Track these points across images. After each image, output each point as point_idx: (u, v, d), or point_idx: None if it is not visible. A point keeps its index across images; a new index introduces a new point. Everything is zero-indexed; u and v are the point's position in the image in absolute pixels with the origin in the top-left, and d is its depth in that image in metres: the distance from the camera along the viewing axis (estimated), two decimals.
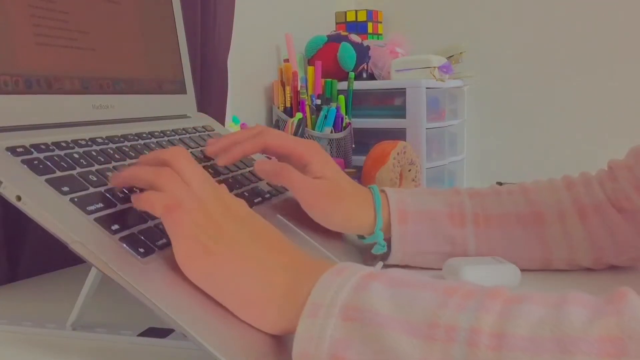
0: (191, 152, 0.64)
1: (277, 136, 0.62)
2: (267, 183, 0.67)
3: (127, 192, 0.48)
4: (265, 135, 0.62)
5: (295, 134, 1.14)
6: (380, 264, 0.63)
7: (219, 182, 0.61)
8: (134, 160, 0.55)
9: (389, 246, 0.63)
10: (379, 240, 0.63)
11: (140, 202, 0.42)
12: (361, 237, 0.65)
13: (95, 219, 0.43)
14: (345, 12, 1.52)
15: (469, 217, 0.63)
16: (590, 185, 0.63)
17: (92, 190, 0.46)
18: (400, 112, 1.25)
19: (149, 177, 0.43)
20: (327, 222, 0.62)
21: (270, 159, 0.68)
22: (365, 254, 0.66)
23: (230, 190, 0.60)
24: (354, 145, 1.26)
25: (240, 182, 0.64)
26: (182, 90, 0.73)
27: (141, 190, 0.45)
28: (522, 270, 0.60)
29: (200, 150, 0.66)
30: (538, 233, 0.62)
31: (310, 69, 1.26)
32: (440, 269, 0.62)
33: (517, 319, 0.32)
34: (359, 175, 1.05)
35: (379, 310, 0.35)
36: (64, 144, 0.50)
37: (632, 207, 0.60)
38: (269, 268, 0.41)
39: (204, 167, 0.62)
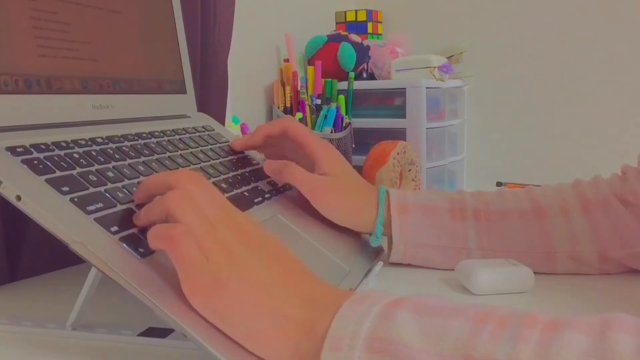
0: (191, 152, 0.64)
1: (299, 124, 0.67)
2: (267, 183, 0.67)
3: (129, 193, 0.48)
4: (288, 120, 0.67)
5: None
6: (380, 263, 0.63)
7: (220, 181, 0.61)
8: (133, 160, 0.55)
9: (390, 242, 0.63)
10: (376, 232, 0.63)
11: (149, 236, 0.40)
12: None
13: (95, 219, 0.43)
14: (345, 12, 1.52)
15: (470, 211, 0.63)
16: (598, 183, 0.63)
17: (92, 190, 0.46)
18: (400, 112, 1.25)
19: (160, 208, 0.41)
20: (330, 215, 0.64)
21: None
22: (365, 255, 0.66)
23: (230, 190, 0.60)
24: (354, 145, 1.26)
25: (240, 182, 0.64)
26: (182, 90, 0.73)
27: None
28: (545, 275, 0.60)
29: (201, 150, 0.66)
30: (540, 226, 0.62)
31: (310, 68, 1.26)
32: (444, 268, 0.62)
33: (559, 350, 0.30)
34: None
35: (408, 342, 0.33)
36: (63, 144, 0.50)
37: (637, 202, 0.60)
38: (283, 300, 0.38)
39: (204, 166, 0.62)
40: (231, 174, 0.65)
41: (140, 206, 0.46)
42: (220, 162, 0.66)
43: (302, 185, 0.63)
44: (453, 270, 0.61)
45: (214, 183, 0.60)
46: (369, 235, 0.65)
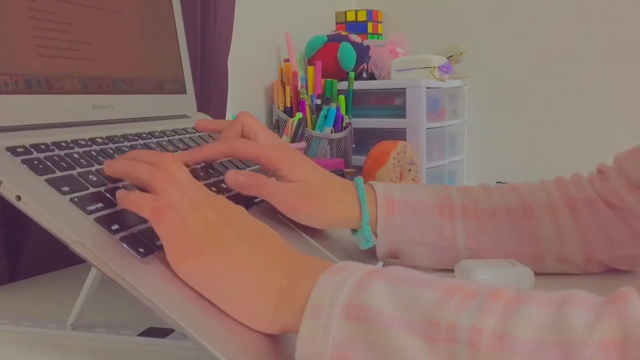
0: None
1: (243, 143, 0.60)
2: None
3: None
4: (232, 142, 0.60)
5: (296, 134, 1.14)
6: (381, 263, 0.63)
7: (214, 183, 0.61)
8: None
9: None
10: (365, 235, 0.61)
11: (127, 202, 0.42)
12: (354, 230, 0.63)
13: (95, 219, 0.43)
14: (345, 12, 1.52)
15: (458, 209, 0.62)
16: (580, 182, 0.63)
17: (92, 190, 0.46)
18: (400, 112, 1.25)
19: (142, 176, 0.43)
20: (312, 223, 0.61)
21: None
22: (365, 253, 0.66)
23: (230, 190, 0.60)
24: (354, 145, 1.26)
25: None
26: (182, 90, 0.73)
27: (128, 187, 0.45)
28: (545, 276, 0.59)
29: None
30: (528, 227, 0.61)
31: (310, 68, 1.26)
32: (428, 266, 0.62)
33: (520, 321, 0.32)
34: (359, 175, 1.05)
35: (381, 309, 0.35)
36: (63, 144, 0.50)
37: (621, 205, 0.61)
38: (264, 268, 0.41)
39: (204, 167, 0.62)
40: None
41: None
42: (219, 162, 0.66)
43: (277, 202, 0.58)
44: (441, 269, 0.61)
45: (213, 183, 0.60)
46: (355, 237, 0.63)
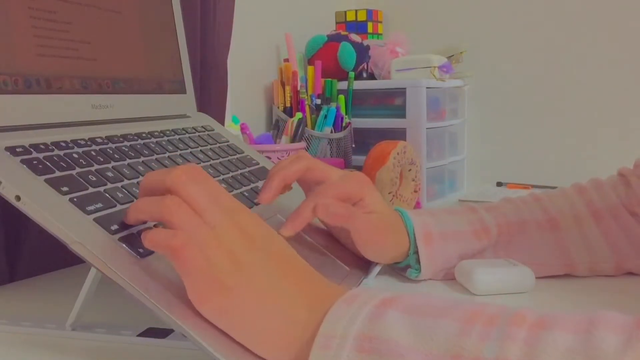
0: (191, 152, 0.64)
1: (315, 162, 0.60)
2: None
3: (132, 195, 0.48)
4: (304, 160, 0.59)
5: (295, 134, 1.14)
6: (377, 270, 0.63)
7: (220, 181, 0.61)
8: (133, 160, 0.54)
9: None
10: (412, 264, 0.61)
11: (147, 243, 0.39)
12: (396, 262, 0.63)
13: (95, 219, 0.43)
14: (345, 12, 1.52)
15: (494, 229, 0.62)
16: (602, 189, 0.63)
17: (91, 190, 0.46)
18: (400, 112, 1.25)
19: (154, 214, 0.39)
20: (380, 257, 0.61)
21: None
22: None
23: (230, 190, 0.60)
24: (354, 145, 1.26)
25: (240, 182, 0.64)
26: (182, 90, 0.73)
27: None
28: (546, 277, 0.59)
29: (200, 150, 0.66)
30: (557, 239, 0.62)
31: (310, 68, 1.26)
32: None
33: (546, 349, 0.31)
34: None
35: (397, 341, 0.34)
36: (63, 144, 0.50)
37: None
38: (288, 303, 0.38)
39: (204, 166, 0.61)
40: (231, 174, 0.65)
41: None
42: (220, 162, 0.66)
43: (359, 233, 0.58)
44: None
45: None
46: (399, 264, 0.63)
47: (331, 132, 1.20)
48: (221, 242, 0.38)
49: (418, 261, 0.61)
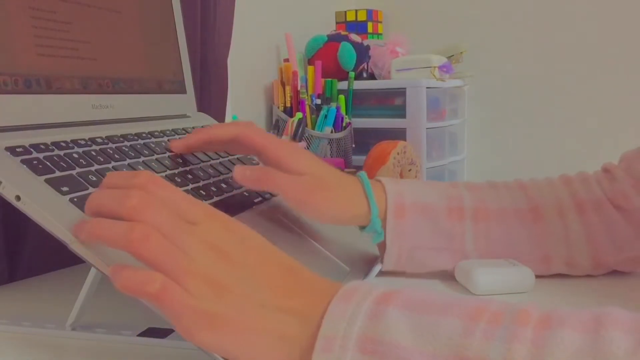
0: (190, 152, 0.64)
1: (253, 129, 0.58)
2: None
3: None
4: (241, 126, 0.57)
5: (295, 133, 1.14)
6: (377, 269, 0.63)
7: (220, 181, 0.61)
8: (133, 160, 0.54)
9: (382, 245, 0.62)
10: (376, 229, 0.60)
11: (119, 287, 0.36)
12: (362, 227, 0.62)
13: None
14: (345, 12, 1.52)
15: (468, 211, 0.61)
16: (588, 182, 0.63)
17: (91, 190, 0.46)
18: (400, 111, 1.25)
19: (123, 247, 0.36)
20: (320, 217, 0.59)
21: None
22: (366, 254, 0.66)
23: (230, 190, 0.60)
24: (354, 145, 1.26)
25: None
26: (182, 90, 0.73)
27: None
28: (546, 277, 0.59)
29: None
30: (537, 230, 0.61)
31: (310, 68, 1.26)
32: (437, 270, 0.62)
33: (553, 350, 0.30)
34: None
35: (399, 342, 0.33)
36: (63, 144, 0.50)
37: (629, 206, 0.60)
38: (279, 320, 0.36)
39: (204, 166, 0.61)
40: (231, 174, 0.65)
41: None
42: (220, 162, 0.65)
43: (286, 194, 0.56)
44: (451, 270, 0.61)
45: (214, 184, 0.60)
46: (365, 233, 0.61)
47: (331, 132, 1.20)
48: (197, 267, 0.36)
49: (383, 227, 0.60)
